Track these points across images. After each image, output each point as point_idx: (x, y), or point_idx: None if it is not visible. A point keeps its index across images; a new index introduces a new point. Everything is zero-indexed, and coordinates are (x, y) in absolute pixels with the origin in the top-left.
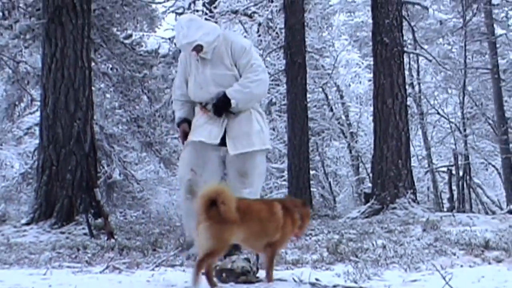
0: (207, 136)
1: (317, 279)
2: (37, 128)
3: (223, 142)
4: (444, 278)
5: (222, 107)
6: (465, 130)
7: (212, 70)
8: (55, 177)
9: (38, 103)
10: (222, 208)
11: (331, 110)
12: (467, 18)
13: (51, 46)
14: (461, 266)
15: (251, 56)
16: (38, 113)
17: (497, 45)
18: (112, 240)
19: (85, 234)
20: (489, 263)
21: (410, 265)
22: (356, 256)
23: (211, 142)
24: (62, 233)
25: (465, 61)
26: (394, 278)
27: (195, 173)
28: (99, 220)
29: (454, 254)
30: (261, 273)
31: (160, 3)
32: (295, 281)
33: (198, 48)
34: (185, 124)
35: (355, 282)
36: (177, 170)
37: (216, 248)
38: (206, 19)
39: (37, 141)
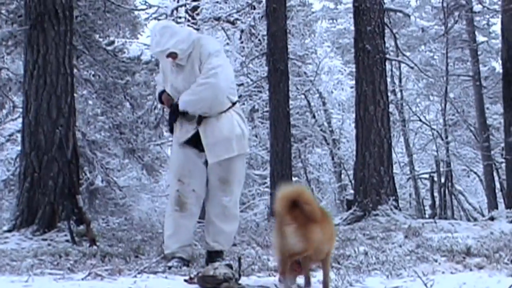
0: (183, 135)
1: (299, 286)
2: (19, 135)
3: (202, 149)
4: (425, 285)
5: (172, 111)
6: (447, 137)
7: (184, 76)
8: (37, 183)
9: (20, 110)
10: (308, 208)
11: (314, 117)
12: (449, 25)
13: (33, 52)
14: (443, 272)
15: (211, 60)
16: (20, 120)
17: (479, 52)
18: (94, 247)
19: (67, 241)
20: (471, 270)
21: (392, 272)
22: (338, 263)
23: (185, 138)
24: (44, 240)
25: (446, 68)
26: (376, 285)
27: (182, 183)
28: (81, 227)
29: (436, 261)
30: (243, 280)
31: (142, 10)
32: None
33: (173, 55)
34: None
35: None
36: (159, 177)
37: (307, 249)
38: (188, 25)
39: (19, 148)
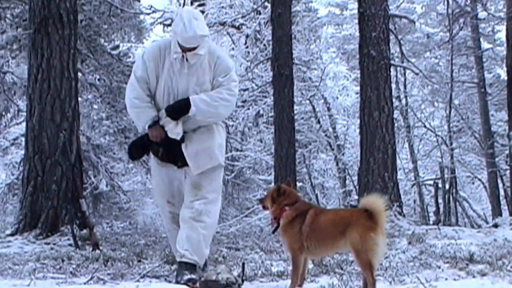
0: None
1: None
2: (23, 139)
3: (185, 163)
4: None
5: (178, 109)
6: (451, 143)
7: (190, 78)
8: (40, 187)
9: (25, 114)
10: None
11: (319, 122)
12: (454, 32)
13: (37, 56)
14: (446, 279)
15: (231, 77)
16: (24, 124)
17: (484, 59)
18: (97, 251)
19: (70, 245)
20: (474, 277)
21: (395, 278)
22: (341, 269)
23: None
24: (47, 244)
25: (451, 75)
26: None
27: (172, 204)
28: (84, 231)
29: (439, 267)
30: (246, 285)
31: (147, 14)
32: None
33: (195, 48)
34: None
35: None
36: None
37: None
38: None
39: (23, 152)
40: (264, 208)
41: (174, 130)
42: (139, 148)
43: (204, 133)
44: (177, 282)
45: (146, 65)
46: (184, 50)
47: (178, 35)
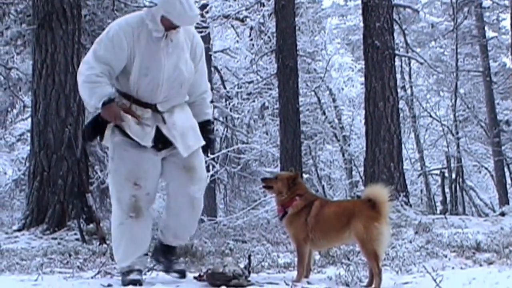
0: (145, 138)
1: (308, 282)
2: (29, 134)
3: (163, 146)
4: (435, 280)
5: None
6: (457, 132)
7: (175, 59)
8: (46, 183)
9: (30, 109)
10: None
11: (324, 113)
12: (458, 21)
13: (42, 52)
14: (453, 268)
15: (205, 65)
16: (30, 119)
17: (489, 48)
18: (104, 245)
19: (77, 239)
20: (480, 265)
21: (402, 268)
22: (348, 259)
23: (147, 145)
24: (54, 239)
25: (456, 64)
26: (385, 281)
27: (139, 186)
28: (91, 226)
29: (446, 256)
30: (253, 277)
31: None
32: (286, 284)
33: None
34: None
35: (347, 285)
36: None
37: None
38: (197, 23)
39: (29, 147)
40: (267, 188)
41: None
42: (94, 130)
43: (181, 113)
44: (175, 271)
45: (113, 44)
46: (168, 28)
47: (171, 14)
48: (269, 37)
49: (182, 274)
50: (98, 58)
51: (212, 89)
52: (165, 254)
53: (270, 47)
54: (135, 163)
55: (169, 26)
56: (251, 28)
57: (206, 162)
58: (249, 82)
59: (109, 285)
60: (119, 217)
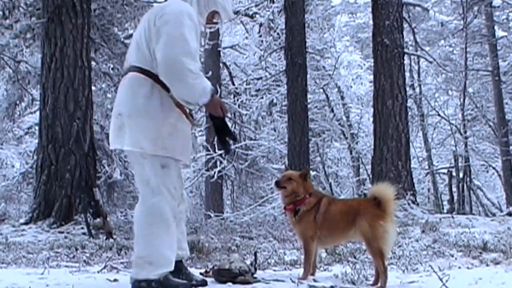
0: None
1: (314, 280)
2: (37, 128)
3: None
4: (441, 280)
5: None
6: (465, 132)
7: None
8: (54, 176)
9: (39, 103)
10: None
11: (332, 111)
12: (468, 20)
13: (51, 45)
14: (459, 267)
15: None
16: (38, 113)
17: (498, 47)
18: (111, 240)
19: (83, 233)
20: (487, 265)
21: (408, 267)
22: (354, 257)
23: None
24: (61, 232)
25: (465, 63)
26: (392, 279)
27: (183, 199)
28: (98, 220)
29: (452, 256)
30: (259, 273)
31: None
32: (293, 281)
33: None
34: None
35: (353, 283)
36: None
37: None
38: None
39: (37, 141)
40: (281, 188)
41: None
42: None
43: None
44: (198, 284)
45: (197, 35)
46: (206, 23)
47: (225, 10)
48: (278, 33)
49: (204, 284)
50: (195, 50)
51: (220, 85)
52: (180, 270)
53: (279, 43)
54: (179, 172)
55: (210, 21)
56: (261, 25)
57: (213, 158)
58: (258, 79)
59: (115, 279)
60: (172, 210)
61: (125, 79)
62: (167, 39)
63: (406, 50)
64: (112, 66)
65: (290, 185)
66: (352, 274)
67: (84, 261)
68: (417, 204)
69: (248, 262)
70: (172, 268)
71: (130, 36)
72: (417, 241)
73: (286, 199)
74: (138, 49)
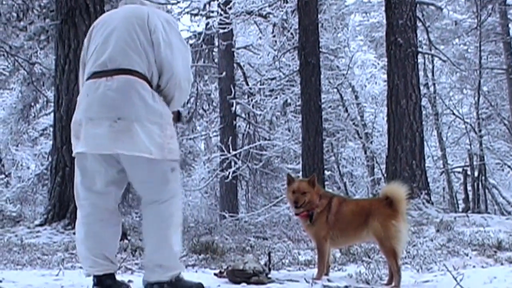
0: None
1: (329, 280)
2: (52, 129)
3: None
4: (455, 279)
5: None
6: (480, 130)
7: None
8: (68, 178)
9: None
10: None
11: (346, 110)
12: (482, 18)
13: (64, 47)
14: (474, 266)
15: None
16: (52, 114)
17: None
18: (125, 241)
19: None
20: (502, 264)
21: (423, 266)
22: (369, 257)
23: None
24: (76, 234)
25: (480, 62)
26: (406, 279)
27: None
28: None
29: (467, 255)
30: (273, 274)
31: (174, 4)
32: (307, 281)
33: None
34: None
35: (367, 283)
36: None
37: None
38: (220, 20)
39: (52, 142)
40: (302, 207)
41: None
42: None
43: None
44: None
45: None
46: None
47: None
48: (292, 33)
49: None
50: None
51: (234, 85)
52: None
53: (293, 43)
54: None
55: None
56: (274, 25)
57: (228, 158)
58: (272, 79)
59: (130, 281)
60: (179, 228)
61: (119, 82)
62: (179, 55)
63: (420, 49)
64: None
65: (306, 198)
66: (366, 274)
67: None
68: (432, 203)
69: (262, 262)
70: (184, 268)
71: None
72: (432, 240)
73: (301, 209)
74: (133, 53)
